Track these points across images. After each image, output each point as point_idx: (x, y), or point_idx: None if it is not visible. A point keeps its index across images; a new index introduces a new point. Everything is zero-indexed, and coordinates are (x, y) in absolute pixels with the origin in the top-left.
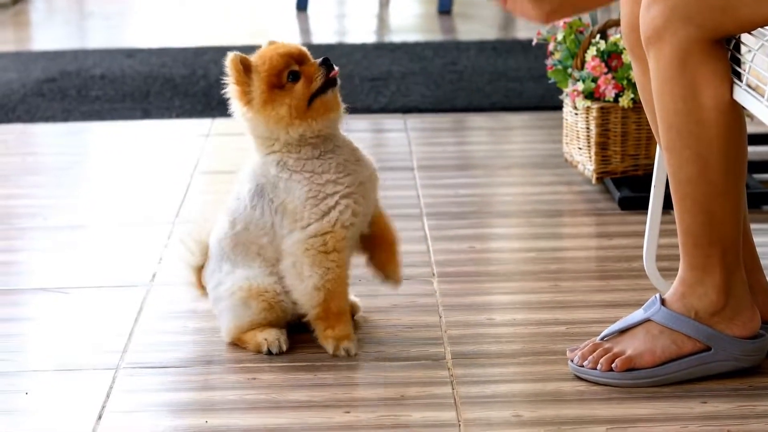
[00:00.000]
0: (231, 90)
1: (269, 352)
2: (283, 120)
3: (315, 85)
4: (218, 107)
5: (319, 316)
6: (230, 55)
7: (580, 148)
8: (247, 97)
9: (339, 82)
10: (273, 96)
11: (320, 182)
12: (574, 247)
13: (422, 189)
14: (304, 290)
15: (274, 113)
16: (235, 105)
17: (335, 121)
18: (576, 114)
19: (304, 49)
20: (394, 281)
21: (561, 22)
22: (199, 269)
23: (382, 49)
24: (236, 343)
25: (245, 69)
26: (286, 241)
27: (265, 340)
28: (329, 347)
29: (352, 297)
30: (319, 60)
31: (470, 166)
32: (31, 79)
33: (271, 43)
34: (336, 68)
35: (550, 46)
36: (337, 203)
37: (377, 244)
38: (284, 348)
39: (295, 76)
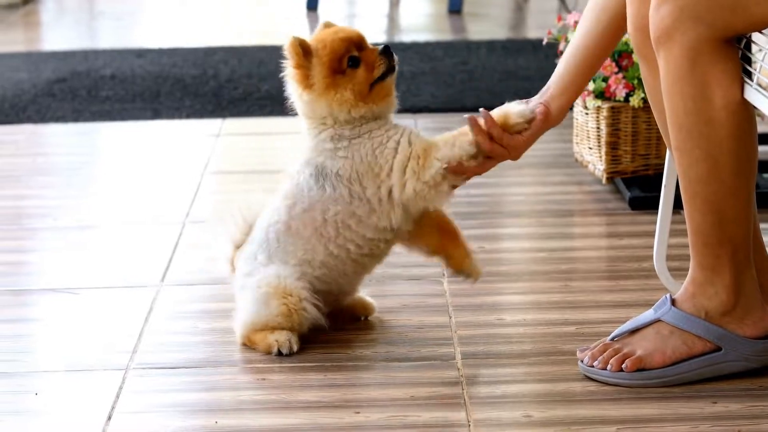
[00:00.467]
0: (290, 73)
1: (279, 353)
2: (347, 102)
3: (377, 72)
4: (228, 107)
5: None
6: (290, 38)
7: (590, 148)
8: (308, 81)
9: (397, 68)
10: (335, 81)
11: (379, 134)
12: (584, 247)
13: None
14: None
15: (338, 96)
16: (293, 88)
17: (393, 103)
18: (586, 113)
19: (362, 33)
20: (473, 274)
21: (572, 21)
22: (236, 249)
23: (392, 48)
24: (246, 344)
25: (305, 52)
26: (394, 193)
27: (276, 341)
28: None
29: (367, 297)
30: (380, 48)
31: None
32: (41, 79)
33: (327, 25)
34: (396, 57)
35: (561, 46)
36: (402, 133)
37: (439, 234)
38: (295, 349)
39: (355, 62)
